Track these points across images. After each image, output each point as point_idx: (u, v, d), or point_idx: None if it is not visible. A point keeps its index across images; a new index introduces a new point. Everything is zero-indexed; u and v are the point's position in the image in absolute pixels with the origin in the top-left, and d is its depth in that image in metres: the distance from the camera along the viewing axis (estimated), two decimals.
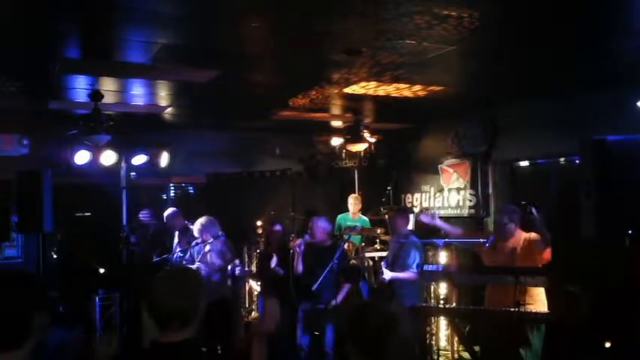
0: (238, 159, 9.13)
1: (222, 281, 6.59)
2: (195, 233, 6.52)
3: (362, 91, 6.21)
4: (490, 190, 7.78)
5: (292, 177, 9.00)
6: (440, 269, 5.97)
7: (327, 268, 5.94)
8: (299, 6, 3.73)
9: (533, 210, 5.35)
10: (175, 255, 6.87)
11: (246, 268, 7.62)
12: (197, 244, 6.57)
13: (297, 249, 6.35)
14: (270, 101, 6.90)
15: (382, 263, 6.45)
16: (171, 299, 2.19)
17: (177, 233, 7.32)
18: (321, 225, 6.33)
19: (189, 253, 6.64)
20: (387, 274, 5.98)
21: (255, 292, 7.74)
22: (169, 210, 7.48)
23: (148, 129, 8.12)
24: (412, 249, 5.99)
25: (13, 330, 1.92)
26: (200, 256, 6.48)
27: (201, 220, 6.53)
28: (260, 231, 8.10)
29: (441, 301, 6.94)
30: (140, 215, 8.17)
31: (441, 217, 6.29)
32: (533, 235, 5.29)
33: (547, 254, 5.16)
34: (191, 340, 2.22)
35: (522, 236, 5.36)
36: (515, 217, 5.40)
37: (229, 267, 6.67)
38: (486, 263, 5.62)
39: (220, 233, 6.51)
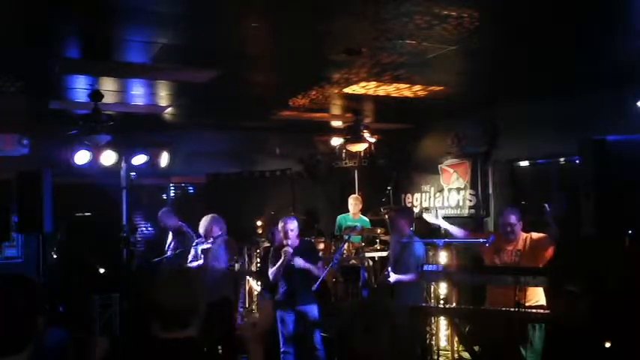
0: (238, 159, 9.12)
1: (224, 281, 6.58)
2: (201, 230, 6.53)
3: (362, 91, 6.21)
4: (490, 190, 7.78)
5: (292, 177, 9.00)
6: (440, 269, 5.96)
7: (320, 265, 5.92)
8: (299, 6, 3.74)
9: (546, 207, 5.35)
10: (169, 255, 6.86)
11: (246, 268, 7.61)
12: (198, 243, 6.58)
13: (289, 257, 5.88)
14: (270, 101, 6.90)
15: (388, 267, 6.42)
16: (175, 298, 2.21)
17: (170, 234, 7.29)
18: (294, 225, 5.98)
19: (193, 252, 6.62)
20: (393, 277, 5.96)
21: (256, 292, 7.74)
22: (162, 210, 7.41)
23: (148, 129, 8.12)
24: (414, 249, 5.97)
25: (15, 334, 1.92)
26: (204, 255, 6.48)
27: (207, 217, 6.53)
28: (260, 231, 8.10)
29: (441, 301, 6.93)
30: (139, 233, 8.19)
31: (444, 217, 6.24)
32: (535, 234, 5.28)
33: (550, 252, 5.16)
34: (193, 339, 2.23)
35: (523, 236, 5.35)
36: (520, 217, 5.38)
37: (233, 264, 6.67)
38: (489, 264, 5.60)
39: (221, 232, 6.51)
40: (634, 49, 4.82)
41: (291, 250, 5.81)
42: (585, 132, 4.93)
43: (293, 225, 5.91)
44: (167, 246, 7.19)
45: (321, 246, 7.75)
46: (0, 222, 6.51)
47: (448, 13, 3.82)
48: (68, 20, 3.99)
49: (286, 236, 5.89)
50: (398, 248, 6.15)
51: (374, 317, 2.18)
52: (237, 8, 3.80)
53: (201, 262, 6.45)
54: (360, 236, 7.75)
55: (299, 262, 5.81)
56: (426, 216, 6.17)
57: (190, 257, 6.63)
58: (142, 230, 8.34)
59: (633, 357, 4.34)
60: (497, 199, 7.73)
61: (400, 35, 4.27)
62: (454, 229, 6.05)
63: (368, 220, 8.36)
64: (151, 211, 8.76)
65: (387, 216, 7.51)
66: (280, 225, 5.97)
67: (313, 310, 5.96)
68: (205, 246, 6.45)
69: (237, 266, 6.99)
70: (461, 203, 8.15)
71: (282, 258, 5.82)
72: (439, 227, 6.30)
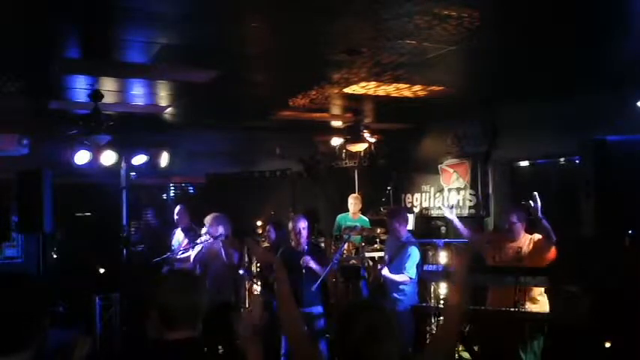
0: (238, 159, 9.13)
1: (225, 280, 6.58)
2: (206, 227, 6.57)
3: (362, 91, 6.21)
4: (490, 190, 7.78)
5: (292, 177, 9.00)
6: (440, 269, 5.96)
7: (327, 268, 5.92)
8: (299, 6, 3.73)
9: (531, 203, 5.19)
10: (179, 252, 6.89)
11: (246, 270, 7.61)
12: (199, 242, 6.58)
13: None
14: (270, 101, 6.90)
15: (385, 259, 6.41)
16: (181, 299, 2.22)
17: (178, 230, 7.33)
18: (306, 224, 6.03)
19: (200, 251, 6.64)
20: (385, 271, 5.96)
21: (256, 292, 7.74)
22: (178, 207, 7.59)
23: (148, 129, 8.12)
24: (410, 251, 5.96)
25: (19, 332, 1.92)
26: (205, 254, 6.48)
27: (211, 216, 6.55)
28: (260, 231, 8.09)
29: (441, 301, 6.93)
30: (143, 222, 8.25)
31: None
32: (537, 236, 5.25)
33: (552, 253, 5.11)
34: (195, 339, 2.24)
35: (527, 237, 5.33)
36: (522, 217, 5.35)
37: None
38: (490, 264, 5.59)
39: (220, 233, 6.51)
40: (634, 49, 4.81)
41: (308, 257, 5.82)
42: (585, 132, 4.92)
43: (305, 224, 5.96)
44: (178, 243, 7.24)
45: (321, 246, 7.76)
46: (0, 222, 6.51)
47: (448, 13, 3.82)
48: (68, 20, 3.99)
49: (299, 236, 5.92)
50: (393, 249, 6.14)
51: (373, 319, 2.19)
52: (237, 8, 3.80)
53: (191, 254, 6.47)
54: (360, 236, 7.75)
55: (310, 262, 5.82)
56: (445, 210, 6.06)
57: (196, 258, 6.63)
58: (147, 220, 8.40)
59: (633, 357, 4.35)
60: (497, 199, 7.73)
61: (400, 35, 4.26)
62: (461, 227, 5.99)
63: (368, 219, 8.36)
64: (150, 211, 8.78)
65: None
66: (291, 225, 6.02)
67: (319, 311, 5.96)
68: (201, 245, 6.47)
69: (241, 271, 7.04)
70: (461, 203, 8.14)
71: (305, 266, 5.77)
72: (439, 227, 6.31)
